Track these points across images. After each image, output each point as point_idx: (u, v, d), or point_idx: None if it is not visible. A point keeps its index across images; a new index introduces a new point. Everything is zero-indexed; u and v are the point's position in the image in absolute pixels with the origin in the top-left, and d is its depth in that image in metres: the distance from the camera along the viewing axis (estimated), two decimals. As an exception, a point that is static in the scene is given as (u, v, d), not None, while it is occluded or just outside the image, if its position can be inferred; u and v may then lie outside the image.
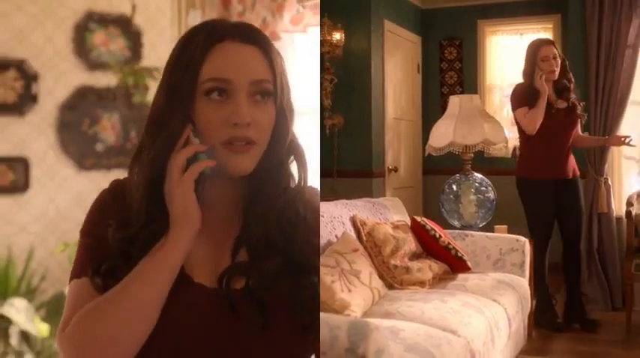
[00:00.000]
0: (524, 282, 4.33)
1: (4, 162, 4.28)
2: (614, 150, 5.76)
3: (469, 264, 4.23)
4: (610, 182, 5.70)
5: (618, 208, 5.77)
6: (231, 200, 1.41)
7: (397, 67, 6.57)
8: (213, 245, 1.39)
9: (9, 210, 4.23)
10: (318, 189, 1.52)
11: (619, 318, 5.23)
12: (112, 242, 1.33)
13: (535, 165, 4.85)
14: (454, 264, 4.16)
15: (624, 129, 5.77)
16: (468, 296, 3.70)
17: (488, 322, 3.45)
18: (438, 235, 4.19)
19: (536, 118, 4.75)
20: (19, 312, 3.76)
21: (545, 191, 4.84)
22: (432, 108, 7.09)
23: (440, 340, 2.98)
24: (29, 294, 3.92)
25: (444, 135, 4.98)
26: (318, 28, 4.49)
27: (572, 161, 4.93)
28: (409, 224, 4.34)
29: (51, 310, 3.83)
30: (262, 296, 1.34)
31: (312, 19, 4.25)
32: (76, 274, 1.37)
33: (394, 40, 6.46)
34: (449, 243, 4.20)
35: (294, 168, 1.44)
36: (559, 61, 4.85)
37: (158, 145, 1.33)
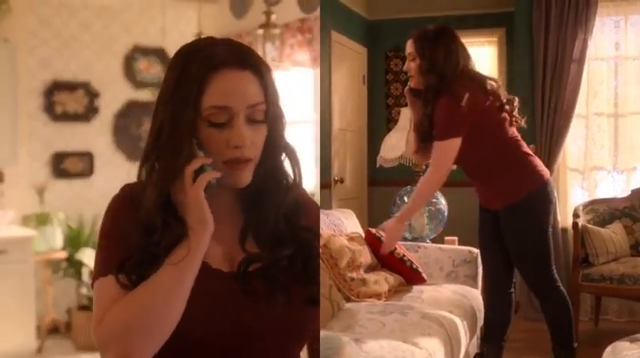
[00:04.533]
0: (477, 294, 4.36)
1: (76, 155, 6.01)
2: (559, 163, 5.86)
3: (424, 275, 4.23)
4: (556, 194, 5.78)
5: (563, 220, 5.86)
6: (231, 200, 1.58)
7: (343, 77, 6.56)
8: (222, 237, 1.54)
9: (80, 189, 5.97)
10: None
11: (565, 328, 5.29)
12: (138, 245, 1.45)
13: None
14: (409, 276, 4.16)
15: (569, 141, 5.89)
16: (426, 308, 3.71)
17: (448, 334, 3.45)
18: (392, 248, 4.18)
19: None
20: (89, 257, 5.37)
21: (482, 219, 3.92)
22: (377, 120, 7.10)
23: (403, 353, 2.98)
24: (95, 246, 5.21)
25: (395, 146, 4.99)
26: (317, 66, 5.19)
27: (493, 188, 3.73)
28: (363, 236, 4.32)
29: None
30: (276, 278, 1.52)
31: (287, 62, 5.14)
32: (102, 273, 1.46)
33: (341, 51, 6.46)
34: (404, 256, 4.20)
35: (287, 166, 1.61)
36: (418, 64, 3.65)
37: (168, 164, 1.47)
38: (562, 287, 3.86)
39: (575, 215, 5.38)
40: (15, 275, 5.23)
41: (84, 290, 5.62)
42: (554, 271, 3.83)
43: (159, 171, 1.48)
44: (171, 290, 1.41)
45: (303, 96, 5.49)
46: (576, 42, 5.69)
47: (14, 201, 5.73)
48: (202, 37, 1.62)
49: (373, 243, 4.21)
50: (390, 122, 6.94)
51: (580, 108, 5.86)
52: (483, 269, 4.05)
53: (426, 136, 3.63)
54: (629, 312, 5.76)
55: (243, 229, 1.57)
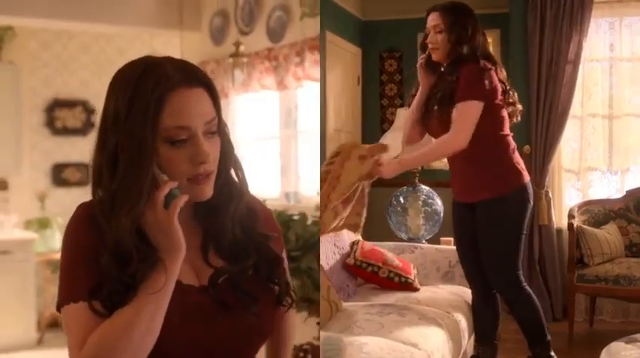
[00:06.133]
0: (473, 294, 4.35)
1: (74, 166, 6.58)
2: (554, 163, 5.87)
3: (415, 284, 4.20)
4: (550, 194, 5.81)
5: (558, 220, 5.88)
6: (188, 214, 1.58)
7: (338, 78, 6.56)
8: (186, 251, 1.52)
9: (78, 196, 6.69)
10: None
11: (560, 329, 5.31)
12: (110, 274, 1.43)
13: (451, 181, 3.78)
14: (402, 290, 4.14)
15: (564, 142, 5.91)
16: (424, 309, 3.72)
17: (446, 335, 3.46)
18: (376, 269, 4.16)
19: (404, 125, 3.85)
20: None
21: (458, 218, 3.78)
22: (371, 120, 7.10)
23: (403, 353, 2.98)
24: None
25: (392, 147, 4.96)
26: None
27: (477, 178, 3.60)
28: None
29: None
30: (245, 288, 1.57)
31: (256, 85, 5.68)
32: (71, 298, 1.44)
33: (335, 52, 6.45)
34: (389, 272, 4.16)
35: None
36: (446, 36, 3.56)
37: (134, 190, 1.43)
38: (528, 288, 3.74)
39: (571, 216, 5.39)
40: (18, 273, 5.81)
41: (80, 288, 6.18)
42: (521, 273, 3.70)
43: (124, 197, 1.44)
44: (152, 317, 1.42)
45: (270, 115, 5.90)
46: (571, 43, 5.70)
47: (18, 206, 6.32)
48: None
49: (357, 272, 4.21)
50: (385, 123, 6.94)
51: (575, 109, 5.87)
52: (464, 270, 3.88)
53: (445, 103, 3.50)
54: (623, 313, 5.78)
55: (203, 242, 1.61)
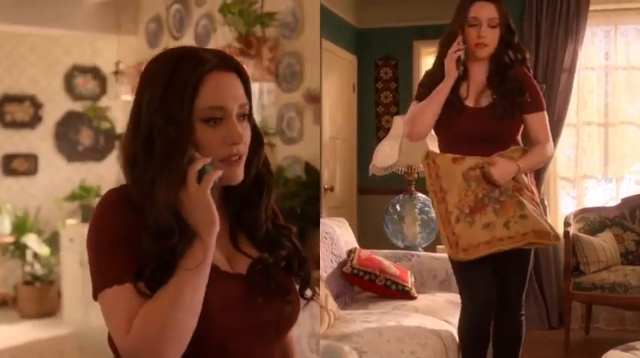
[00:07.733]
0: (470, 302, 4.35)
1: (22, 156, 7.03)
2: (549, 171, 5.89)
3: (413, 293, 4.20)
4: (546, 202, 5.81)
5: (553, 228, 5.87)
6: (218, 200, 1.58)
7: (333, 85, 6.56)
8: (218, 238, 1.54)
9: (25, 185, 7.05)
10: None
11: (556, 337, 5.32)
12: (151, 251, 1.45)
13: None
14: (399, 298, 4.14)
15: (559, 150, 5.92)
16: (421, 316, 3.72)
17: (443, 343, 3.46)
18: (373, 277, 4.16)
19: (416, 116, 3.26)
20: (32, 241, 6.58)
21: None
22: (367, 128, 7.10)
23: (401, 362, 2.97)
24: (38, 232, 6.72)
25: (388, 155, 4.99)
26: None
27: None
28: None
29: (49, 241, 6.61)
30: (278, 277, 1.61)
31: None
32: (117, 280, 1.44)
33: (330, 59, 6.46)
34: (387, 280, 4.15)
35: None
36: (497, 31, 3.15)
37: (172, 168, 1.47)
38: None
39: (567, 223, 5.40)
40: (-31, 256, 6.33)
41: (27, 269, 6.65)
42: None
43: (163, 175, 1.47)
44: (194, 291, 1.44)
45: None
46: (566, 51, 5.73)
47: (-31, 194, 6.85)
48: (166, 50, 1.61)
49: (354, 281, 4.20)
50: (380, 130, 6.95)
51: (570, 117, 5.90)
52: (466, 279, 3.41)
53: (511, 105, 3.19)
54: (619, 321, 5.78)
55: (232, 229, 1.64)
